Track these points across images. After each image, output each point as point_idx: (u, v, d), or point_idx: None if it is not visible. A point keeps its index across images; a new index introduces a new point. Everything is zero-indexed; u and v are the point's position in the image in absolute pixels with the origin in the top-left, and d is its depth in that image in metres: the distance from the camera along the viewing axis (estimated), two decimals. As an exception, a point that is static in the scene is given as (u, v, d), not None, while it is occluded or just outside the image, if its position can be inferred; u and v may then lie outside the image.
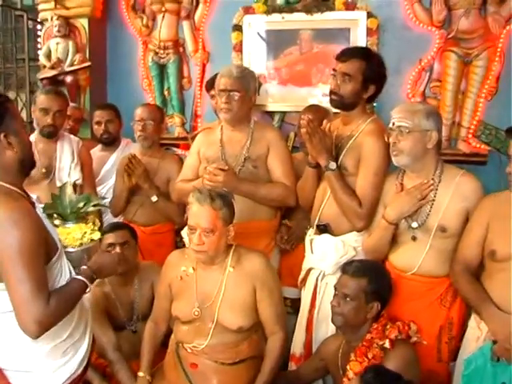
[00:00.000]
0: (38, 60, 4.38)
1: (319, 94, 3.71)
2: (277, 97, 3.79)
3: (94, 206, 2.07)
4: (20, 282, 1.51)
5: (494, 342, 1.97)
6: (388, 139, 2.24)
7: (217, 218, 2.13)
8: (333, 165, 2.36)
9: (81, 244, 1.94)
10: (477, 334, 2.10)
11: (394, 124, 2.21)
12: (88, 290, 1.72)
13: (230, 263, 2.21)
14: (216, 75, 2.78)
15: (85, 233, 1.96)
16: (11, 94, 4.66)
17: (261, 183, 2.62)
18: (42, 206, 1.95)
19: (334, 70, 2.44)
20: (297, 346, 2.53)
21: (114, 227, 2.68)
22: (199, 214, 2.14)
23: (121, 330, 2.65)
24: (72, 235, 1.94)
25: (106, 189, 3.40)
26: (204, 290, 2.23)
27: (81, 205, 2.01)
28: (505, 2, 3.35)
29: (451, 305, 2.26)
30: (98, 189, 3.34)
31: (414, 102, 3.44)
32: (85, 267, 1.77)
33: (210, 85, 3.19)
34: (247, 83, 2.63)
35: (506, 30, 3.36)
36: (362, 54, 2.44)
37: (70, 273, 1.74)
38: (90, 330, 1.83)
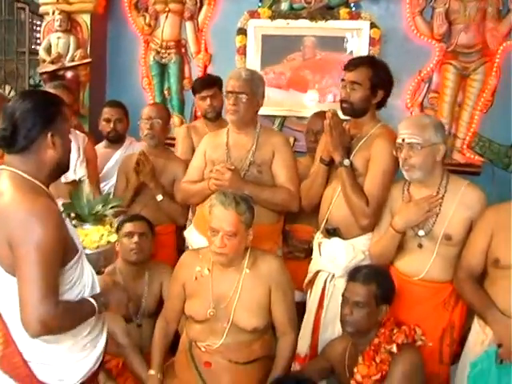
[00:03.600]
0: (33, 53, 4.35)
1: (319, 100, 3.79)
2: (277, 101, 3.83)
3: (113, 207, 1.99)
4: (33, 279, 1.49)
5: (499, 346, 2.05)
6: (397, 154, 2.29)
7: (240, 222, 2.17)
8: (347, 161, 2.43)
9: (97, 246, 1.89)
10: (481, 337, 2.18)
11: (403, 140, 2.25)
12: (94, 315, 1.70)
13: (246, 265, 2.25)
14: (200, 78, 2.76)
15: (102, 235, 1.90)
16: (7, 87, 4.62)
17: (265, 186, 2.61)
18: (61, 204, 1.94)
19: (342, 80, 2.52)
20: (302, 347, 2.55)
21: (134, 218, 2.75)
22: (223, 217, 2.16)
23: (126, 323, 2.66)
24: (89, 237, 1.88)
25: (108, 186, 3.39)
26: (220, 291, 2.26)
27: (99, 207, 1.93)
28: (503, 20, 3.49)
29: (453, 309, 2.33)
30: (101, 186, 3.34)
31: (418, 115, 3.49)
32: (100, 296, 1.74)
33: (197, 87, 3.27)
34: (255, 86, 2.63)
35: (503, 47, 3.50)
36: (368, 61, 2.52)
37: (93, 276, 1.74)
38: (106, 327, 1.85)
